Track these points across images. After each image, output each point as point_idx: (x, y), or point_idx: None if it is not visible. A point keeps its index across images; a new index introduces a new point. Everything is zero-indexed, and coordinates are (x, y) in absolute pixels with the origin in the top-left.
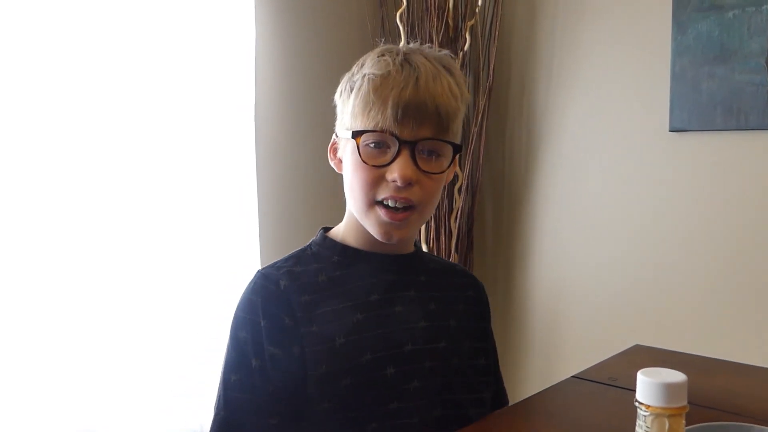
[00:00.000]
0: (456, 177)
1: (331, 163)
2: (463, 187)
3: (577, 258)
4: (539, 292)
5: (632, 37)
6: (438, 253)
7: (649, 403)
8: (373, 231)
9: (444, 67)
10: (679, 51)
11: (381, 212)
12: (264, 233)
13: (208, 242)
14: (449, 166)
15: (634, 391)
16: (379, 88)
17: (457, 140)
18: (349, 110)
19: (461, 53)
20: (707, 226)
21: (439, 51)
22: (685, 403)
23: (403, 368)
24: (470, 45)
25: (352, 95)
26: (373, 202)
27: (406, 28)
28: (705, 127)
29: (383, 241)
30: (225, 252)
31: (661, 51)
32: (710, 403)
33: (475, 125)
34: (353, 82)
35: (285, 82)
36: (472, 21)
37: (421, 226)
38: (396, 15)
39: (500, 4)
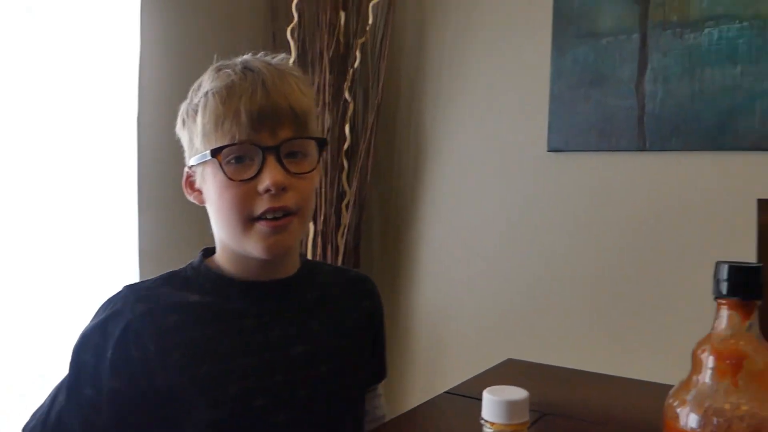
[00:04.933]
0: (344, 193)
1: (190, 198)
2: (351, 203)
3: (461, 274)
4: (424, 308)
5: (515, 60)
6: None
7: (492, 420)
8: (256, 250)
9: (285, 68)
10: (557, 75)
11: (261, 226)
12: (144, 244)
13: (85, 249)
14: (318, 163)
15: None
16: (227, 100)
17: (318, 135)
18: (198, 133)
19: (351, 70)
20: (582, 243)
21: (273, 57)
22: (526, 419)
23: (273, 399)
24: (360, 62)
25: (198, 117)
26: (248, 220)
27: (297, 44)
28: (581, 147)
29: (268, 257)
30: (102, 262)
31: (541, 74)
32: (570, 412)
33: (364, 141)
34: (194, 105)
35: (170, 93)
36: (363, 38)
37: (303, 232)
38: (287, 30)
39: (390, 22)
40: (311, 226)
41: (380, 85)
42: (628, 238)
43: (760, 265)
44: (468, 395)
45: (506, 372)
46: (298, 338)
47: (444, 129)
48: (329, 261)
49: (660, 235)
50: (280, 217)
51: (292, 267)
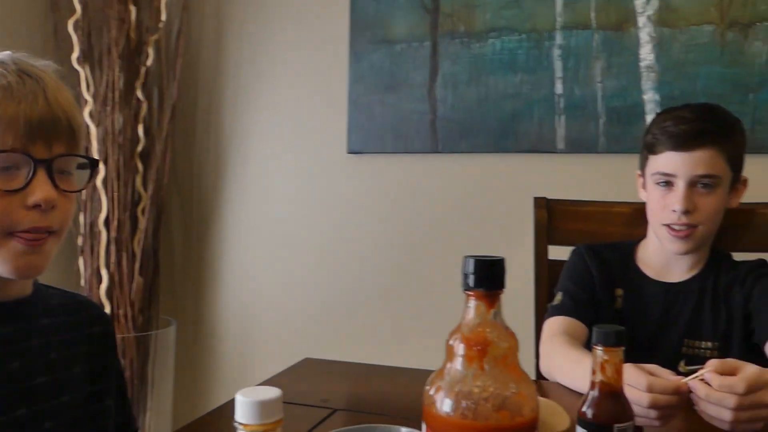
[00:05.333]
0: (139, 197)
1: None
2: (147, 207)
3: (266, 275)
4: (230, 309)
5: (314, 64)
6: (120, 278)
7: (244, 422)
8: (5, 268)
9: (58, 78)
10: (355, 79)
11: (17, 243)
12: None
13: None
14: (88, 183)
15: (296, 404)
16: (2, 103)
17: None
18: None
19: (144, 68)
20: (380, 242)
21: (36, 60)
22: (278, 417)
23: None
24: (155, 59)
25: None
26: (4, 234)
27: (81, 38)
28: (378, 149)
29: (18, 277)
30: None
31: (339, 78)
32: (359, 406)
33: (160, 142)
34: None
35: None
36: (156, 35)
37: (55, 254)
38: (69, 23)
39: (186, 20)
40: (103, 232)
41: (176, 83)
42: (422, 236)
43: (502, 258)
44: None
45: (302, 371)
46: (39, 369)
47: (245, 130)
48: (125, 269)
49: (452, 232)
50: (41, 236)
51: (26, 290)
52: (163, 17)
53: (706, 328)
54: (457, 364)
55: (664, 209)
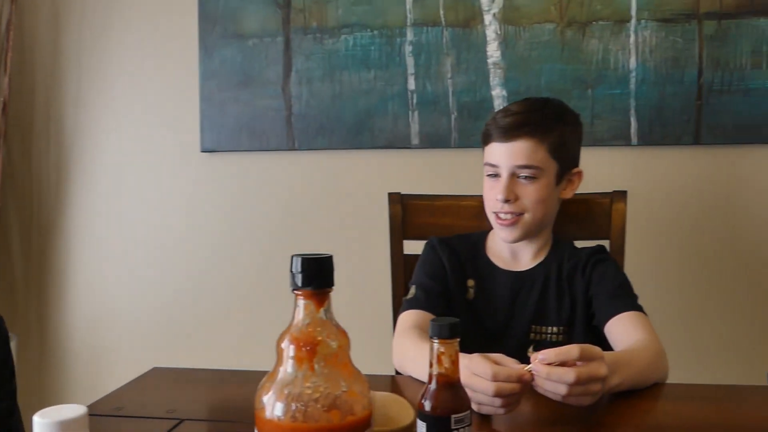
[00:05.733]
0: None
1: None
2: None
3: (117, 280)
4: (78, 317)
5: (162, 60)
6: None
7: None
8: None
9: None
10: (206, 75)
11: None
12: None
13: None
14: None
15: (139, 417)
16: None
17: None
18: None
19: None
20: (235, 242)
21: None
22: None
23: None
24: None
25: None
26: None
27: None
28: (233, 147)
29: None
30: None
31: (190, 74)
32: (209, 414)
33: None
34: None
35: None
36: None
37: None
38: None
39: (14, 12)
40: None
41: (7, 78)
42: (279, 235)
43: (330, 255)
44: (101, 414)
45: (149, 382)
46: None
47: (89, 130)
48: None
49: (309, 230)
50: None
51: None
52: None
53: (552, 314)
54: (288, 365)
55: (491, 198)
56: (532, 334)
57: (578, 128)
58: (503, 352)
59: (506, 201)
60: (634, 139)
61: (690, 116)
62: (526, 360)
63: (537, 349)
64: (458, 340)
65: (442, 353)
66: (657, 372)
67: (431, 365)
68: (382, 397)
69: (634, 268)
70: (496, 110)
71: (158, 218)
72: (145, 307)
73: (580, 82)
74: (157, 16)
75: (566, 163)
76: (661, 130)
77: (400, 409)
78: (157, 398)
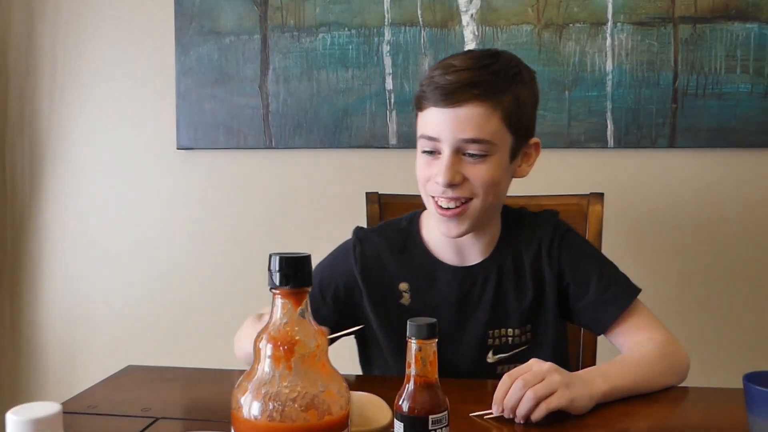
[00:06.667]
0: None
1: None
2: None
3: (92, 277)
4: (53, 320)
5: (137, 56)
6: None
7: None
8: None
9: None
10: (183, 72)
11: None
12: None
13: None
14: None
15: (113, 415)
16: None
17: None
18: None
19: None
20: (212, 240)
21: None
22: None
23: None
24: None
25: None
26: None
27: None
28: (210, 145)
29: None
30: None
31: (165, 71)
32: (189, 413)
33: None
34: None
35: None
36: None
37: None
38: None
39: None
40: None
41: None
42: (256, 234)
43: (308, 254)
44: (74, 411)
45: (123, 380)
46: None
47: (64, 126)
48: None
49: (286, 229)
50: None
51: None
52: None
53: (512, 315)
54: (265, 365)
55: (429, 180)
56: (489, 340)
57: (535, 88)
58: (458, 361)
59: (450, 185)
60: (611, 142)
61: (665, 119)
62: (487, 368)
63: (497, 353)
64: (436, 340)
65: (420, 353)
66: (666, 374)
67: (409, 365)
68: (359, 397)
69: None
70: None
71: (134, 215)
72: (119, 304)
73: (557, 83)
74: (133, 12)
75: (523, 134)
76: (637, 133)
77: (378, 410)
78: (131, 396)
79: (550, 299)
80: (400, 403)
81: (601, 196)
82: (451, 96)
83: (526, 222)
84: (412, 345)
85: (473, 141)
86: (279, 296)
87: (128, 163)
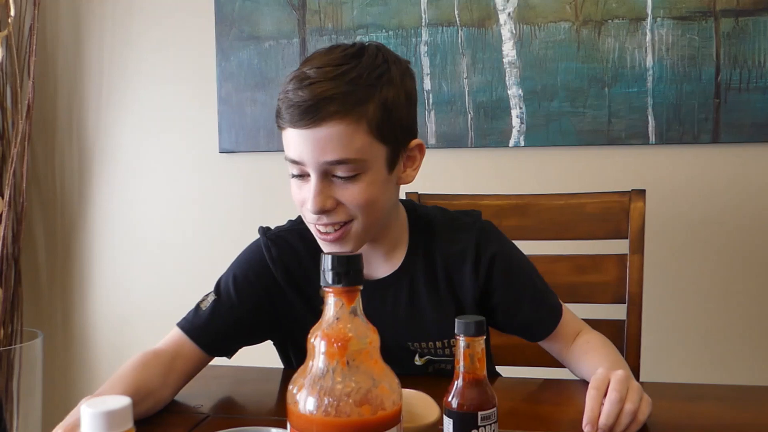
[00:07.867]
0: None
1: None
2: (5, 215)
3: (139, 278)
4: (103, 315)
5: (180, 63)
6: None
7: None
8: None
9: None
10: (224, 77)
11: None
12: None
13: None
14: None
15: (168, 412)
16: None
17: None
18: None
19: None
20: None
21: None
22: (128, 426)
23: None
24: (5, 57)
25: None
26: None
27: None
28: (251, 148)
29: None
30: None
31: (207, 76)
32: (239, 411)
33: (15, 146)
34: None
35: None
36: (5, 32)
37: None
38: None
39: (38, 16)
40: None
41: (31, 82)
42: None
43: (359, 253)
44: None
45: None
46: None
47: (110, 131)
48: None
49: None
50: None
51: None
52: (12, 12)
53: (432, 328)
54: (319, 361)
55: (303, 204)
56: (412, 348)
57: (409, 82)
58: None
59: (322, 212)
60: (652, 138)
61: (708, 114)
62: (417, 369)
63: (423, 356)
64: (484, 337)
65: (468, 350)
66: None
67: (457, 362)
68: (407, 394)
69: (653, 267)
70: (513, 110)
71: (177, 218)
72: (165, 306)
73: (596, 80)
74: (175, 19)
75: (398, 140)
76: (679, 129)
77: (426, 406)
78: (183, 394)
79: (473, 311)
80: (450, 399)
81: (642, 192)
82: (306, 115)
83: (438, 227)
84: (461, 342)
85: (339, 162)
86: (332, 294)
87: (172, 166)
